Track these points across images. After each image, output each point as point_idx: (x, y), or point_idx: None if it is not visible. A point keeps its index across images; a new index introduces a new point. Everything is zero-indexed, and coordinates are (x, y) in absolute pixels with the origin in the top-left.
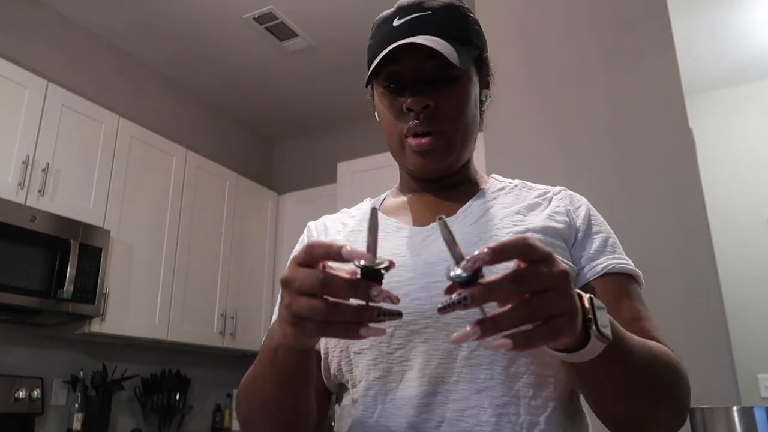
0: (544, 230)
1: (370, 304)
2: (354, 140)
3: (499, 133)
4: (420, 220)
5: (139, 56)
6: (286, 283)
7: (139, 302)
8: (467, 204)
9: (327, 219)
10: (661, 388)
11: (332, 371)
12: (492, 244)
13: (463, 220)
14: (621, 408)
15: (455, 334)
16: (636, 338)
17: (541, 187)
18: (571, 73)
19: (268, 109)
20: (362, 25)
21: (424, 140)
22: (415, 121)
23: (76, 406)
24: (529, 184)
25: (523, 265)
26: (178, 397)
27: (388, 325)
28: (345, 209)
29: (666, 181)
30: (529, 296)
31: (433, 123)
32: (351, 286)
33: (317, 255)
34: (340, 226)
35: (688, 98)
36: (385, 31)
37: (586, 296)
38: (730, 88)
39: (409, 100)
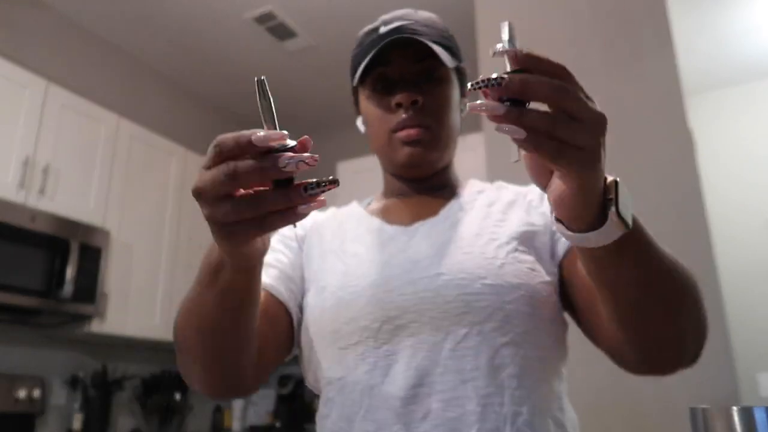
0: (527, 225)
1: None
2: (354, 140)
3: (500, 133)
4: (403, 220)
5: (139, 56)
6: (198, 194)
7: (139, 302)
8: (448, 206)
9: (318, 216)
10: (683, 296)
11: (314, 369)
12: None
13: (445, 219)
14: (641, 319)
15: (476, 103)
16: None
17: (517, 187)
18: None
19: None
20: (362, 25)
21: (412, 131)
22: (404, 116)
23: (76, 406)
24: (506, 184)
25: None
26: (178, 397)
27: (324, 195)
28: (333, 208)
29: (666, 181)
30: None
31: (421, 118)
32: (259, 166)
33: (227, 151)
34: (328, 222)
35: (688, 98)
36: (370, 39)
37: (611, 177)
38: (730, 89)
39: (399, 95)
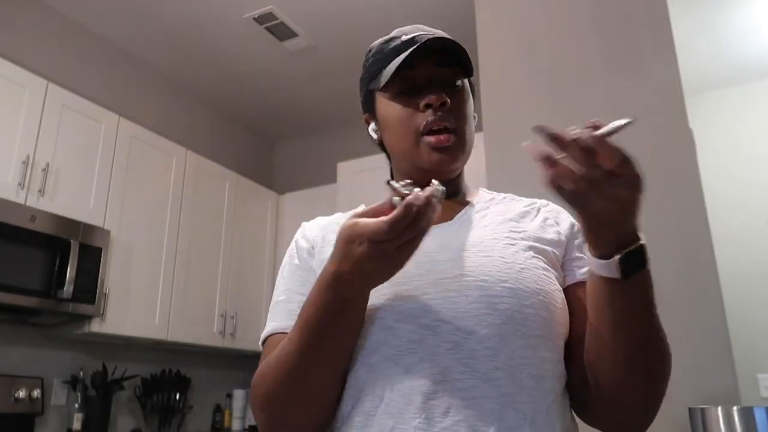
0: (539, 239)
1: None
2: (354, 140)
3: (499, 132)
4: None
5: (139, 56)
6: (388, 257)
7: (139, 302)
8: (462, 211)
9: (322, 221)
10: (659, 361)
11: None
12: (600, 134)
13: (460, 224)
14: (620, 368)
15: (528, 143)
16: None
17: (528, 200)
18: (571, 73)
19: (268, 109)
20: (362, 25)
21: (443, 137)
22: (432, 117)
23: (76, 406)
24: (517, 197)
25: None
26: (178, 397)
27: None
28: (340, 213)
29: (666, 181)
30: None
31: (450, 120)
32: (420, 213)
33: (402, 225)
34: (335, 227)
35: (688, 98)
36: (392, 46)
37: (641, 241)
38: (731, 89)
39: (429, 96)
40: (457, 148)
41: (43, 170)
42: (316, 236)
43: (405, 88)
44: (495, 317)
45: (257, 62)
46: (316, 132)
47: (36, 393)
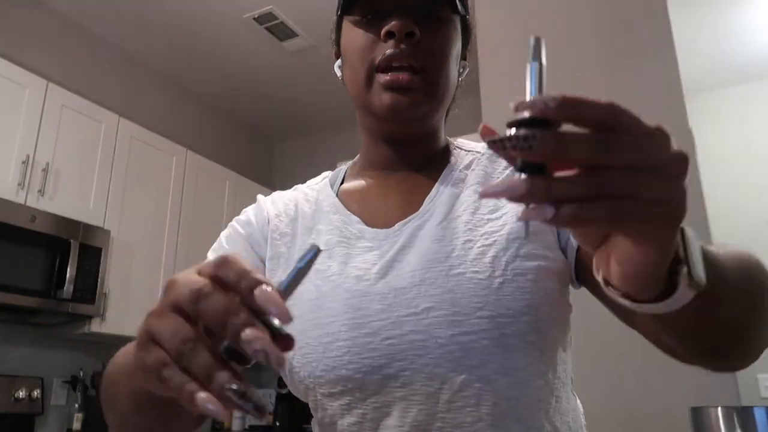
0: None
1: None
2: (354, 140)
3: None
4: (383, 217)
5: (139, 56)
6: (167, 288)
7: (139, 302)
8: (433, 192)
9: (278, 198)
10: (759, 306)
11: (299, 390)
12: (569, 96)
13: (430, 216)
14: (714, 343)
15: (497, 182)
16: (722, 254)
17: None
18: (571, 73)
19: (268, 109)
20: None
21: (401, 75)
22: (394, 50)
23: (76, 406)
24: None
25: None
26: None
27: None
28: (299, 186)
29: None
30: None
31: (415, 57)
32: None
33: (226, 279)
34: (299, 204)
35: (688, 98)
36: None
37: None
38: (731, 88)
39: (392, 22)
40: (419, 90)
41: (43, 170)
42: (263, 218)
43: (370, 13)
44: (471, 359)
45: (257, 62)
46: (316, 132)
47: (36, 393)
